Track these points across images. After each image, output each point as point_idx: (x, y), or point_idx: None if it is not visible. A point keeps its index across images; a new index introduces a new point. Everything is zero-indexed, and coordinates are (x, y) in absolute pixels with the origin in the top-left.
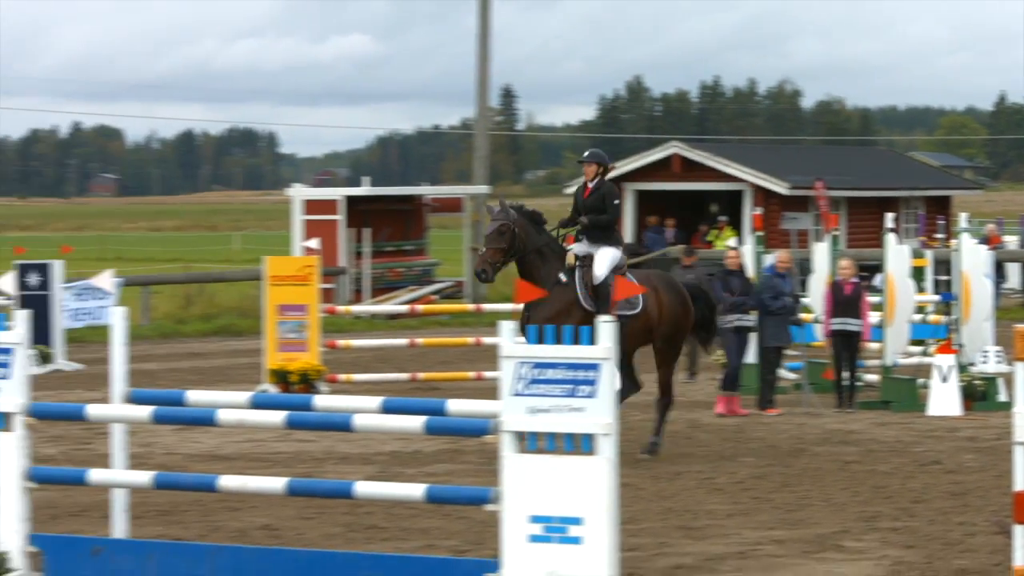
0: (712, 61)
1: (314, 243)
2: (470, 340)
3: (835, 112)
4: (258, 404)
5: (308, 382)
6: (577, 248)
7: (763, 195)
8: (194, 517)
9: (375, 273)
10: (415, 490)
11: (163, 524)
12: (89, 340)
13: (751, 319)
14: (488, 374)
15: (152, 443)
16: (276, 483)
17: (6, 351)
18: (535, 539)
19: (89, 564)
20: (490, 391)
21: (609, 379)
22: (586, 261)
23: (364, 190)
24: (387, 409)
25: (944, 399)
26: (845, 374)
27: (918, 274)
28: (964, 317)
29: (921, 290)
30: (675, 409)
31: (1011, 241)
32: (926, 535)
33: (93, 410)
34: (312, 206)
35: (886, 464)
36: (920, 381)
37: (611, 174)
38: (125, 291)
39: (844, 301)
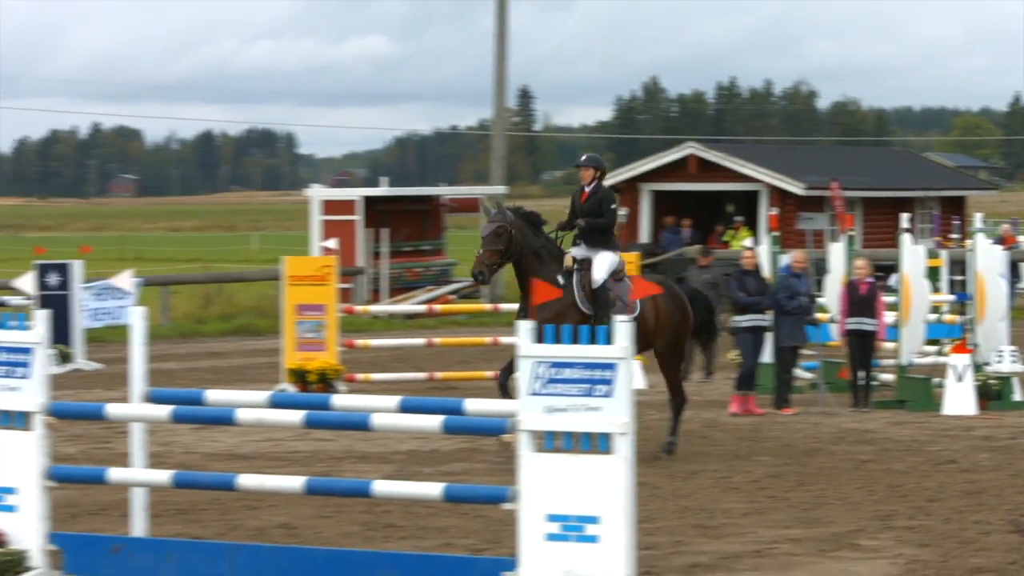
0: (728, 62)
1: (332, 243)
2: (487, 340)
3: (850, 113)
4: (277, 403)
5: (326, 381)
6: (575, 252)
7: (779, 195)
8: (213, 516)
9: (393, 273)
10: (433, 489)
11: (182, 523)
12: (108, 340)
13: (767, 319)
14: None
15: (171, 442)
16: (294, 482)
17: (26, 351)
18: (552, 538)
19: (108, 562)
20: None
21: (626, 379)
22: (584, 265)
23: (382, 190)
24: (405, 408)
25: (959, 398)
26: (860, 373)
27: (933, 274)
28: (979, 317)
29: (936, 290)
30: (691, 408)
31: None
32: (941, 534)
33: (112, 409)
34: (330, 206)
35: (901, 463)
36: (935, 380)
37: (628, 175)
38: (144, 291)
39: (859, 301)
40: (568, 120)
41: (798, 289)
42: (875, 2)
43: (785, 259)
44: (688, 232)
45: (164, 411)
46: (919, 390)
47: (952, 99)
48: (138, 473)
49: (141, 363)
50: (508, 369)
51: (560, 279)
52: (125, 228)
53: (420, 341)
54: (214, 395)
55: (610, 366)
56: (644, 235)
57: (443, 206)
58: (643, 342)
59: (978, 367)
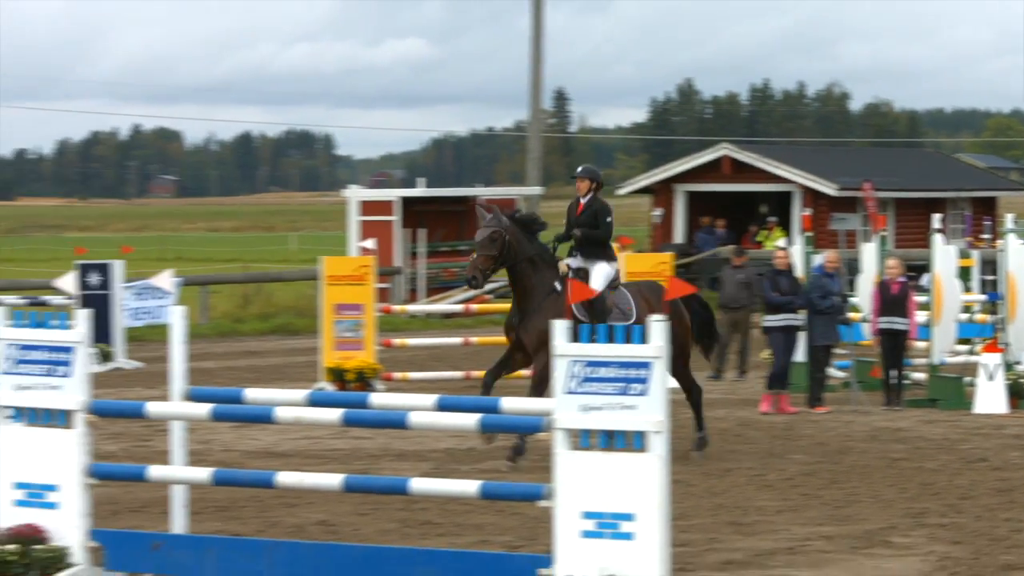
0: (762, 64)
1: (370, 243)
2: None
3: (883, 114)
4: (315, 402)
5: (364, 380)
6: (571, 261)
7: (812, 196)
8: (252, 513)
9: (430, 273)
10: (469, 486)
11: (221, 520)
12: (149, 339)
13: (799, 318)
14: None
15: (210, 440)
16: (332, 479)
17: (68, 350)
18: (588, 535)
19: (149, 559)
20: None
21: (660, 377)
22: (579, 274)
23: (419, 191)
24: (442, 407)
25: (990, 397)
26: (893, 372)
27: (965, 274)
28: (1010, 316)
29: (968, 290)
30: (725, 407)
31: None
32: (973, 531)
33: (153, 408)
34: (368, 207)
35: (933, 461)
36: (967, 379)
37: (662, 175)
38: (184, 291)
39: (891, 300)
40: (603, 122)
41: (831, 289)
42: (907, 5)
43: (818, 259)
44: (722, 232)
45: (204, 409)
46: (951, 389)
47: (984, 101)
48: (178, 471)
49: (181, 362)
50: (496, 371)
51: (557, 285)
52: (165, 228)
53: (457, 340)
54: (253, 394)
55: (645, 365)
56: (679, 235)
57: (479, 206)
58: None
59: (1009, 366)
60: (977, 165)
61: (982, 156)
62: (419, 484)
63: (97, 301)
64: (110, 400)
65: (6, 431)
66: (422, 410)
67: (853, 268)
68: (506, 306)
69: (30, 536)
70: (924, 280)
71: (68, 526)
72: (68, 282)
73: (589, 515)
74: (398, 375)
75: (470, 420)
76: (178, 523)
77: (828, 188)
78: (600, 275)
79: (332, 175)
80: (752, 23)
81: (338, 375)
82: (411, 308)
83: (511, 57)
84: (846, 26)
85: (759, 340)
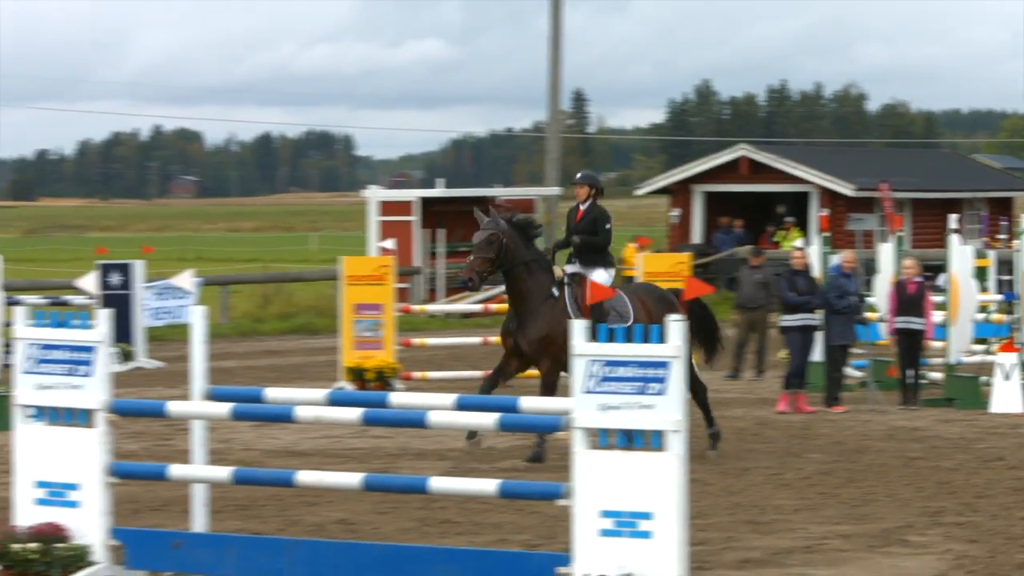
0: (779, 65)
1: (390, 243)
2: None
3: (899, 115)
4: (335, 401)
5: (383, 379)
6: (568, 267)
7: (829, 197)
8: (272, 511)
9: (449, 273)
10: (488, 485)
11: (242, 518)
12: (169, 338)
13: (816, 318)
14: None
15: (231, 439)
16: (352, 478)
17: (89, 349)
18: (606, 533)
19: (169, 557)
20: (561, 388)
21: (679, 377)
22: (575, 279)
23: (438, 192)
24: (461, 406)
25: (1007, 396)
26: (909, 372)
27: (981, 274)
28: None
29: (984, 290)
30: (743, 406)
31: None
32: (989, 530)
33: (173, 407)
34: (388, 207)
35: (950, 460)
36: (983, 379)
37: (680, 176)
38: (205, 290)
39: (908, 300)
40: (621, 122)
41: (848, 289)
42: (924, 6)
43: (835, 259)
44: (740, 232)
45: (224, 409)
46: (967, 388)
47: (1000, 101)
48: (198, 469)
49: (201, 361)
50: (493, 379)
51: (555, 291)
52: (186, 229)
53: (476, 340)
54: (273, 393)
55: (663, 364)
56: (697, 236)
57: (499, 207)
58: None
59: None
60: (993, 166)
61: (998, 156)
62: (438, 483)
63: (118, 301)
64: (131, 399)
65: (28, 430)
66: (441, 409)
67: (870, 268)
68: None
69: (52, 535)
70: (941, 280)
71: (89, 525)
72: (89, 282)
73: (607, 514)
74: (417, 374)
75: (489, 419)
76: (199, 522)
77: (845, 188)
78: (597, 281)
79: (352, 176)
80: (770, 24)
81: (358, 374)
82: (430, 308)
83: (530, 58)
84: (863, 27)
85: (776, 340)
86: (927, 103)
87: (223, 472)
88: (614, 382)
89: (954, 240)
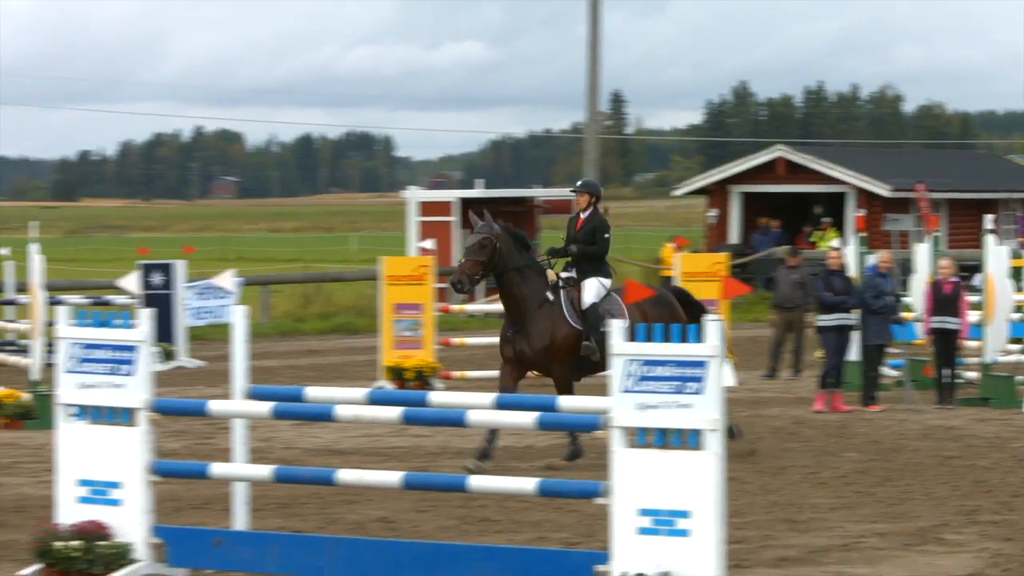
0: (816, 67)
1: (429, 244)
2: None
3: (935, 116)
4: (375, 400)
5: (423, 379)
6: (564, 273)
7: (866, 197)
8: (312, 510)
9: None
10: (527, 484)
11: (282, 516)
12: (210, 338)
13: (852, 318)
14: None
15: (272, 438)
16: (392, 477)
17: (131, 348)
18: (644, 532)
19: (210, 555)
20: (600, 388)
21: (716, 376)
22: (569, 282)
23: (478, 192)
24: (500, 405)
25: None
26: (945, 371)
27: (1016, 274)
28: None
29: (1019, 289)
30: (779, 405)
31: None
32: None
33: (215, 406)
34: (427, 208)
35: (985, 459)
36: (1019, 378)
37: (718, 177)
38: (245, 290)
39: (944, 300)
40: (659, 123)
41: (884, 289)
42: (960, 7)
43: (872, 259)
44: (777, 233)
45: (265, 408)
46: (1003, 388)
47: None
48: (240, 468)
49: (243, 361)
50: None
51: (549, 295)
52: (227, 229)
53: None
54: (314, 392)
55: (701, 364)
56: (734, 236)
57: (537, 207)
58: None
59: None
60: None
61: None
62: (478, 482)
63: (160, 300)
64: (173, 398)
65: (70, 429)
66: (480, 408)
67: (906, 268)
68: None
69: (94, 532)
70: (976, 280)
71: (131, 523)
72: (131, 282)
73: (645, 512)
74: (456, 374)
75: (528, 418)
76: (240, 520)
77: (881, 189)
78: (591, 290)
79: (392, 176)
80: (806, 26)
81: (397, 374)
82: (469, 308)
83: (568, 60)
84: (899, 29)
85: (813, 339)
86: (963, 104)
87: (264, 470)
88: (652, 381)
89: (990, 240)
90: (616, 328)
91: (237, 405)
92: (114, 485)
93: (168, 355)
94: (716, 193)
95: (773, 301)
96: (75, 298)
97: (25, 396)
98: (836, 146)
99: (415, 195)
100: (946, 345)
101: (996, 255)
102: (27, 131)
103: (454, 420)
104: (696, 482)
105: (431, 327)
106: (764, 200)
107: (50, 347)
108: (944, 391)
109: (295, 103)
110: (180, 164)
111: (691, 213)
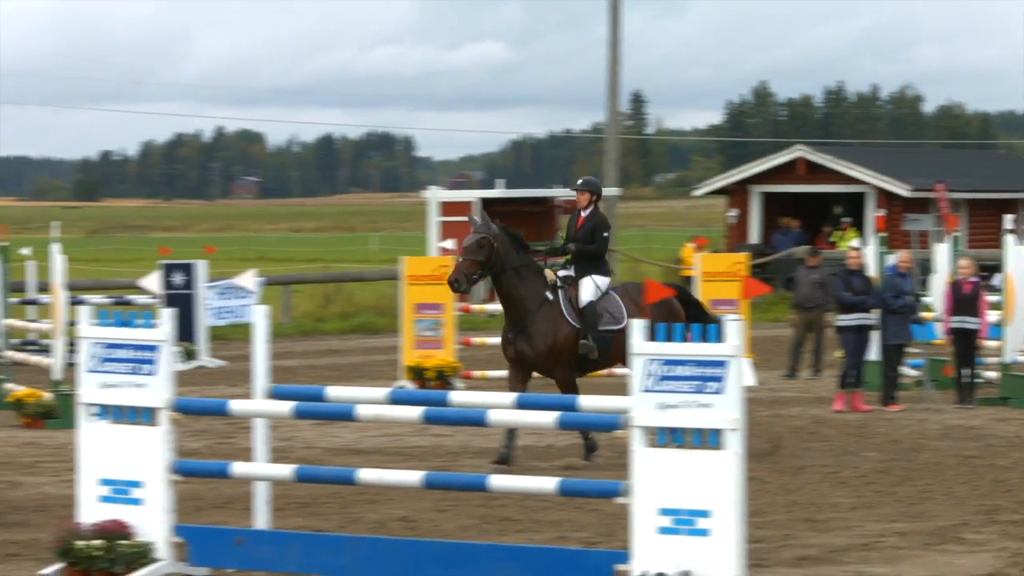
0: (836, 67)
1: (450, 244)
2: None
3: (955, 116)
4: (395, 400)
5: (444, 378)
6: (560, 272)
7: (885, 197)
8: (333, 509)
9: None
10: (548, 483)
11: (303, 516)
12: (232, 337)
13: (872, 317)
14: (618, 371)
15: (293, 437)
16: (413, 476)
17: (152, 348)
18: (664, 531)
19: (232, 554)
20: (620, 387)
21: (736, 376)
22: (568, 280)
23: (498, 192)
24: (521, 405)
25: None
26: (965, 371)
27: None
28: None
29: None
30: (799, 405)
31: None
32: None
33: (236, 405)
34: (448, 208)
35: (1005, 459)
36: None
37: (738, 177)
38: (266, 290)
39: (963, 300)
40: (680, 123)
41: (904, 288)
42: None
43: (891, 259)
44: (797, 233)
45: (286, 407)
46: (1022, 387)
47: None
48: (261, 467)
49: (264, 360)
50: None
51: (549, 295)
52: (247, 229)
53: None
54: (334, 392)
55: (721, 363)
56: (754, 236)
57: (557, 207)
58: None
59: None
60: None
61: None
62: (498, 481)
63: (181, 300)
64: (194, 398)
65: (92, 428)
66: (501, 408)
67: (926, 268)
68: None
69: (115, 531)
70: (996, 280)
71: (153, 522)
72: (153, 282)
73: (666, 512)
74: (477, 373)
75: (548, 418)
76: (261, 519)
77: (901, 189)
78: (588, 289)
79: (412, 176)
80: (826, 26)
81: (418, 373)
82: (490, 307)
83: (588, 60)
84: (919, 29)
85: (833, 339)
86: (983, 104)
87: (285, 470)
88: (672, 381)
89: (1009, 240)
90: (636, 328)
91: (258, 405)
92: (136, 484)
93: (189, 355)
94: (736, 193)
95: (793, 301)
96: (97, 298)
97: (47, 395)
98: (856, 146)
99: (435, 195)
100: (966, 345)
101: (1016, 255)
102: (49, 131)
103: (475, 420)
104: (716, 482)
105: (452, 327)
106: (784, 200)
107: (72, 347)
108: (964, 391)
109: (316, 103)
110: (201, 164)
111: (711, 213)
